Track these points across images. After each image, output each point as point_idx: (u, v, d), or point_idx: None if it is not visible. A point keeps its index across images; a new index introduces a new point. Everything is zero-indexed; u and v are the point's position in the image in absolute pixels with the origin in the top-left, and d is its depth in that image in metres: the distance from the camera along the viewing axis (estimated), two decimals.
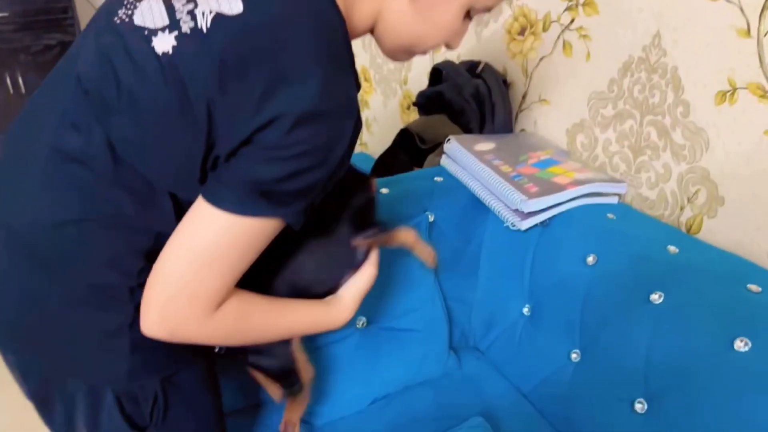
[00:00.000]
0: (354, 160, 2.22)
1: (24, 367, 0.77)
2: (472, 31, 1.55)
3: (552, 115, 1.35)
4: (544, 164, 1.21)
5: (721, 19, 0.96)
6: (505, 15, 1.43)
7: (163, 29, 0.66)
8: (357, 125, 0.68)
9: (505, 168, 1.19)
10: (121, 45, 0.67)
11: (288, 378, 0.87)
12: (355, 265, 0.84)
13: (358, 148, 2.39)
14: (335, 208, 0.84)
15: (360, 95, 2.25)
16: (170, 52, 0.64)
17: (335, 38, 0.68)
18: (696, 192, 1.06)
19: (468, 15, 0.80)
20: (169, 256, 0.66)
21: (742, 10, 0.93)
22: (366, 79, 2.19)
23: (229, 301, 0.70)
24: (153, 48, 0.65)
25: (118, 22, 0.68)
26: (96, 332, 0.72)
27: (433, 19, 0.78)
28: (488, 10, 0.82)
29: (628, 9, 1.11)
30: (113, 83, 0.66)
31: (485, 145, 1.30)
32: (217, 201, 0.64)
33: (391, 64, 1.99)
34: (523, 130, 1.45)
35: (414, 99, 1.86)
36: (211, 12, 0.65)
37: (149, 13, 0.67)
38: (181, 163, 0.67)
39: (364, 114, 2.27)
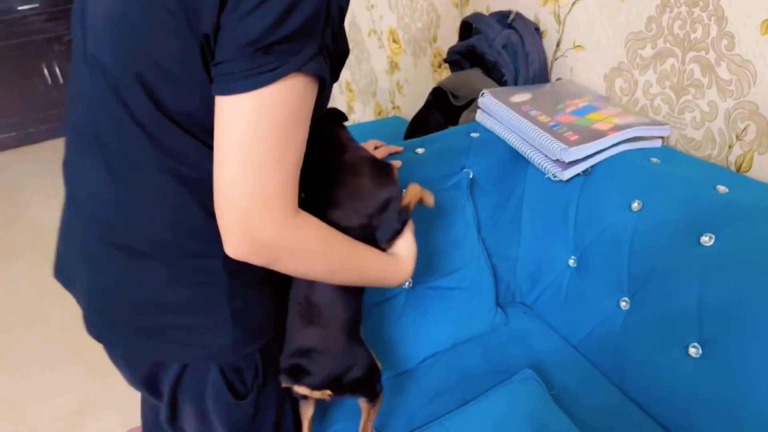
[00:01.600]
0: (388, 124, 2.20)
1: (130, 356, 0.80)
2: None
3: (588, 60, 1.31)
4: (583, 111, 1.18)
5: None
6: None
7: None
8: None
9: (543, 118, 1.17)
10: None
11: (374, 381, 0.85)
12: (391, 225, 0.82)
13: (391, 112, 2.37)
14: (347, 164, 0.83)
15: (390, 57, 2.23)
16: None
17: None
18: (745, 128, 1.02)
19: None
20: (220, 170, 0.62)
21: None
22: (395, 40, 2.16)
23: (308, 215, 0.68)
24: None
25: None
26: (198, 309, 0.73)
27: None
28: None
29: None
30: (104, 38, 0.67)
31: (521, 96, 1.27)
32: (229, 88, 0.60)
33: (419, 23, 1.95)
34: (559, 78, 1.41)
35: (445, 56, 1.83)
36: None
37: None
38: (189, 69, 0.63)
39: (395, 77, 2.24)
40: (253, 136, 0.60)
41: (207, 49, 0.61)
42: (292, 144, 0.63)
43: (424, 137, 1.34)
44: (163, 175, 0.68)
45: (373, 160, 0.85)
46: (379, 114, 2.50)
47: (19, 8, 3.23)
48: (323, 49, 0.63)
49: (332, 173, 0.81)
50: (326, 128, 0.86)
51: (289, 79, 0.60)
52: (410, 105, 2.21)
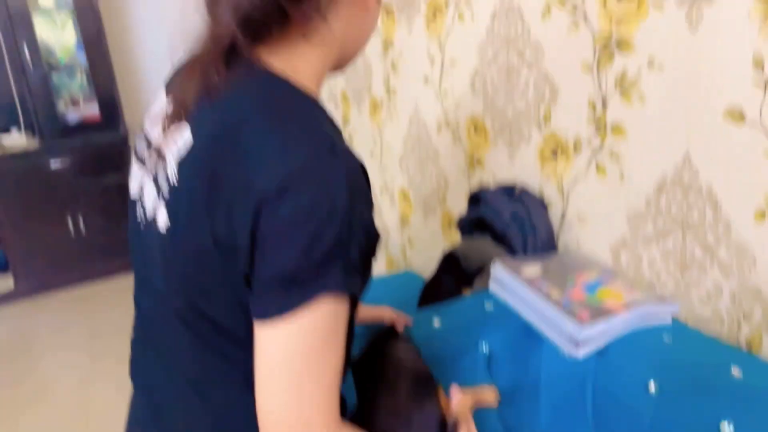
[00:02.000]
0: (400, 279, 2.24)
1: None
2: (505, 153, 1.62)
3: (593, 233, 1.38)
4: (592, 287, 1.22)
5: (748, 141, 0.99)
6: (535, 138, 1.49)
7: (157, 206, 0.72)
8: (348, 169, 0.65)
9: (554, 293, 1.21)
10: (150, 243, 0.74)
11: None
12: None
13: (401, 265, 2.44)
14: (391, 375, 0.84)
15: (401, 213, 2.32)
16: (168, 222, 0.69)
17: (287, 102, 0.69)
18: (751, 309, 1.05)
19: None
20: (260, 392, 0.65)
21: (767, 133, 0.97)
22: (406, 199, 2.27)
23: (352, 428, 0.69)
24: (159, 230, 0.71)
25: (141, 226, 0.76)
26: None
27: (372, 17, 0.83)
28: None
29: (656, 132, 1.16)
30: (158, 267, 0.73)
31: (531, 267, 1.33)
32: (263, 315, 0.64)
33: (429, 185, 2.06)
34: (566, 248, 1.47)
35: (453, 216, 1.92)
36: (174, 159, 0.69)
37: (149, 199, 0.74)
38: (238, 298, 0.68)
39: (406, 232, 2.33)
40: (288, 360, 0.63)
41: (249, 281, 0.67)
42: (329, 362, 0.66)
43: (440, 306, 1.38)
44: (236, 386, 0.72)
45: (416, 374, 0.85)
46: (391, 266, 2.56)
47: (53, 163, 3.43)
48: (351, 265, 0.66)
49: (377, 383, 0.83)
50: (379, 340, 0.88)
51: (319, 302, 0.63)
52: (421, 259, 2.27)
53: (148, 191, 0.75)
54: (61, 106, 3.50)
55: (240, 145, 0.64)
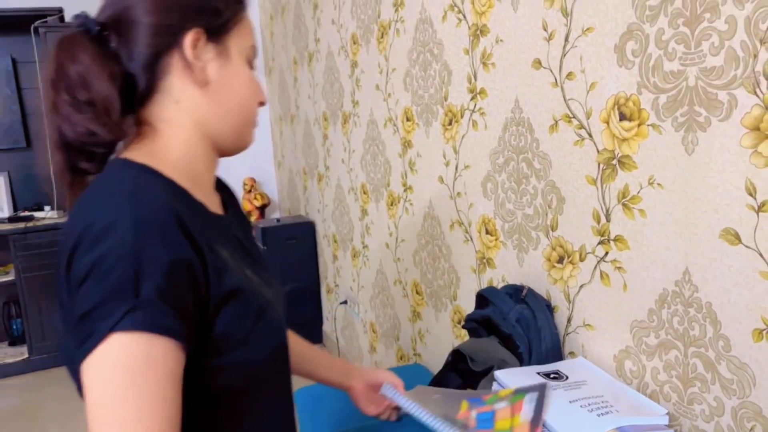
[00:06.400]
0: (409, 371, 2.24)
1: None
2: (513, 256, 1.66)
3: (598, 340, 1.39)
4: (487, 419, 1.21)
5: (744, 262, 1.03)
6: (543, 244, 1.54)
7: None
8: (137, 216, 0.69)
9: None
10: None
11: None
12: None
13: (412, 358, 2.43)
14: None
15: (413, 307, 2.35)
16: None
17: (108, 176, 0.78)
18: (752, 428, 1.05)
19: (249, 65, 0.90)
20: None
21: (761, 255, 1.00)
22: (418, 292, 2.30)
23: None
24: None
25: None
26: None
27: (232, 89, 0.86)
28: (254, 50, 0.91)
29: (656, 247, 1.20)
30: None
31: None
32: (73, 359, 0.69)
33: (440, 280, 2.10)
34: (571, 353, 1.48)
35: (464, 313, 1.94)
36: None
37: None
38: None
39: (417, 325, 2.34)
40: (95, 402, 0.64)
41: None
42: (144, 408, 0.64)
43: None
44: None
45: None
46: (401, 359, 2.56)
47: None
48: (146, 304, 0.65)
49: None
50: None
51: (112, 341, 0.64)
52: (431, 354, 2.28)
53: None
54: None
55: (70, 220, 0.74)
